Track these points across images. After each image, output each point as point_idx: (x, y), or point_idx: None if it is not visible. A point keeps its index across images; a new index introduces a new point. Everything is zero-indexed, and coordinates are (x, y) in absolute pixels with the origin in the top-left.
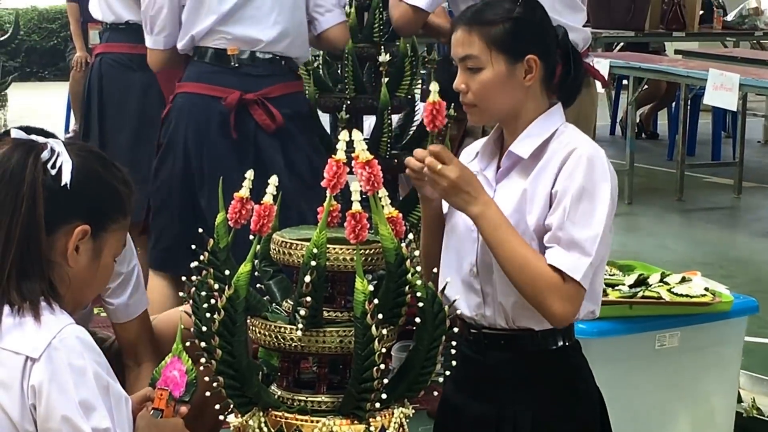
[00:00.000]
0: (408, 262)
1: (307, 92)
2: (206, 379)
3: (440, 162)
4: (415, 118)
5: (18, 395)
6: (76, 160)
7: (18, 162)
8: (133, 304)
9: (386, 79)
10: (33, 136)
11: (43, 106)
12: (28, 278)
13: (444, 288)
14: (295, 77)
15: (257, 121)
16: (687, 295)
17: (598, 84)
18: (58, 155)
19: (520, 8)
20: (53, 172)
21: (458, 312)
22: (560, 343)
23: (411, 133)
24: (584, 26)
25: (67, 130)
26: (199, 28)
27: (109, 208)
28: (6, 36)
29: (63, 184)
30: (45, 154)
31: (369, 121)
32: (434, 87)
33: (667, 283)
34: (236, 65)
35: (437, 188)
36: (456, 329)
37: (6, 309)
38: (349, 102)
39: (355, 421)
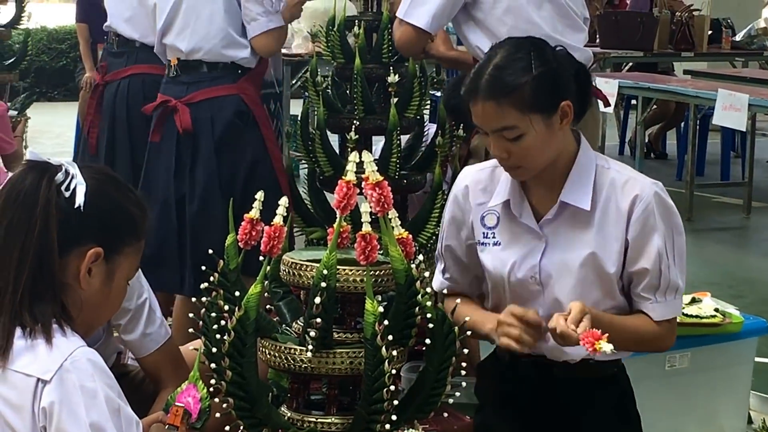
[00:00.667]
0: (418, 284)
1: (316, 113)
2: (216, 400)
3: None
4: (424, 139)
5: (29, 417)
6: (90, 182)
7: (32, 183)
8: (148, 339)
9: (395, 100)
10: (47, 158)
11: (52, 127)
12: (40, 300)
13: (453, 310)
14: (228, 81)
15: (178, 126)
16: (697, 316)
17: (601, 104)
18: (72, 177)
19: (535, 61)
20: (67, 194)
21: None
22: (615, 370)
23: (420, 153)
24: (590, 46)
25: (76, 150)
26: (157, 46)
27: (123, 230)
28: (13, 59)
29: (76, 206)
30: (59, 176)
31: (378, 142)
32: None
33: None
34: (173, 74)
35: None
36: (466, 350)
37: (18, 331)
38: (358, 123)
39: None
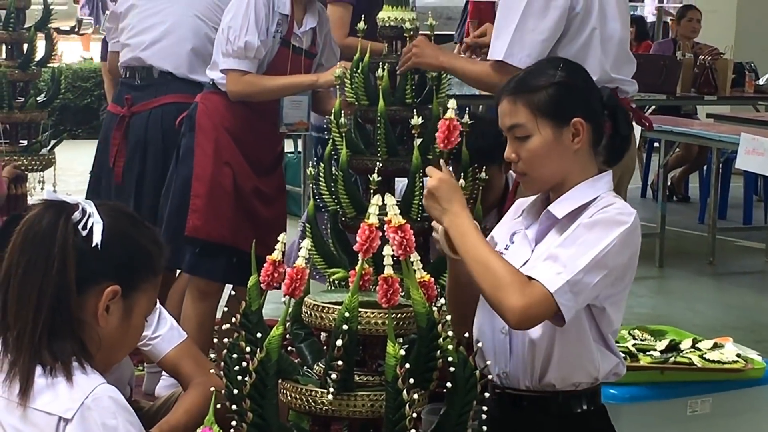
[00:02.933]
0: (439, 327)
1: (340, 155)
2: None
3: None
4: None
5: None
6: (107, 220)
7: (49, 223)
8: (159, 340)
9: (418, 142)
10: (64, 197)
11: (75, 164)
12: (59, 338)
13: (476, 353)
14: (178, 90)
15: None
16: (719, 362)
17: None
18: (89, 216)
19: (561, 72)
20: (84, 233)
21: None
22: (584, 407)
23: None
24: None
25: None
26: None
27: (140, 267)
28: (46, 98)
29: (93, 245)
30: (76, 215)
31: (401, 184)
32: (452, 104)
33: (699, 349)
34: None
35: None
36: (487, 394)
37: (38, 369)
38: (380, 165)
39: None
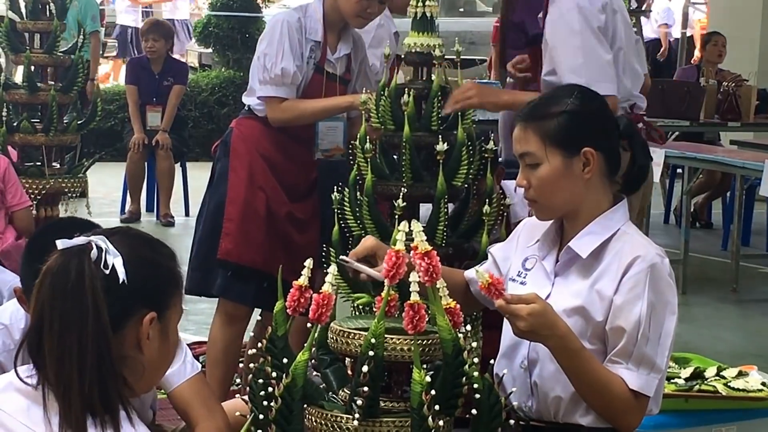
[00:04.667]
0: (465, 353)
1: (365, 180)
2: None
3: (524, 302)
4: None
5: None
6: (124, 250)
7: (77, 272)
8: (171, 374)
9: (443, 168)
10: (76, 240)
11: (98, 186)
12: (105, 385)
13: (501, 380)
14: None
15: None
16: (744, 390)
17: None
18: (106, 252)
19: (575, 100)
20: (107, 271)
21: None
22: None
23: (467, 221)
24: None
25: (123, 212)
26: None
27: (167, 287)
28: (84, 120)
29: (121, 281)
30: (93, 254)
31: (425, 209)
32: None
33: (723, 377)
34: None
35: (515, 325)
36: (512, 421)
37: (89, 420)
38: (405, 190)
39: None
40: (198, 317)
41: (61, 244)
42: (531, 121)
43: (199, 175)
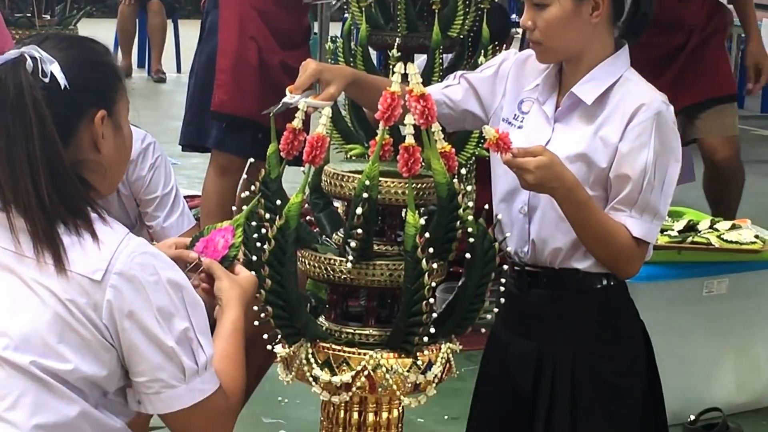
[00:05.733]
0: (460, 198)
1: (360, 30)
2: (255, 308)
3: (531, 155)
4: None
5: (90, 317)
6: (59, 55)
7: (15, 85)
8: (169, 227)
9: (438, 18)
10: (7, 54)
11: None
12: (66, 192)
13: (495, 224)
14: None
15: None
16: (737, 242)
17: None
18: (41, 61)
19: None
20: (46, 80)
21: (507, 248)
22: (604, 283)
23: None
24: None
25: None
26: None
27: (109, 82)
28: None
29: (63, 87)
30: (29, 65)
31: (419, 61)
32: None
33: (716, 230)
34: None
35: (523, 179)
36: (506, 266)
37: (62, 227)
38: (400, 40)
39: (402, 355)
40: (191, 171)
41: None
42: None
43: (191, 33)
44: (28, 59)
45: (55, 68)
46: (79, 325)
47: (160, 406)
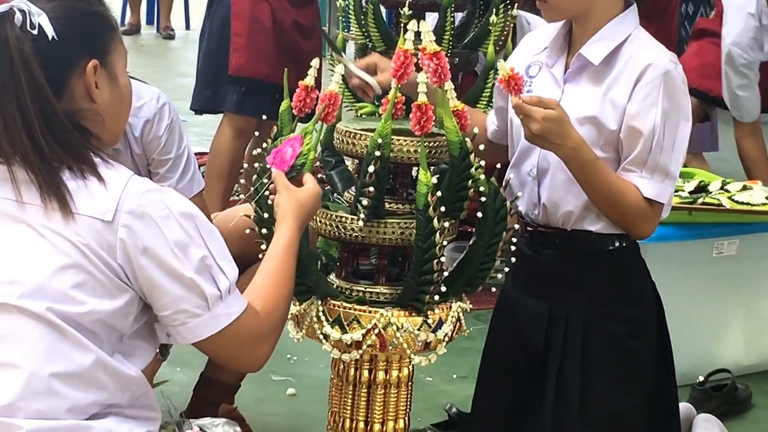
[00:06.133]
0: (472, 156)
1: None
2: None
3: (543, 106)
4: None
5: (104, 259)
6: (48, 6)
7: (2, 41)
8: (181, 189)
9: None
10: None
11: None
12: (64, 139)
13: (506, 184)
14: None
15: None
16: (747, 203)
17: None
18: (29, 13)
19: None
20: (35, 32)
21: (518, 208)
22: (616, 244)
23: (473, 31)
24: None
25: (122, 23)
26: None
27: (102, 32)
28: None
29: (51, 38)
30: (18, 18)
31: (430, 19)
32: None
33: (727, 191)
34: None
35: (527, 127)
36: (517, 226)
37: (66, 173)
38: None
39: (413, 314)
40: (199, 129)
41: None
42: None
43: None
44: (17, 12)
45: (42, 20)
46: (93, 268)
47: (188, 336)
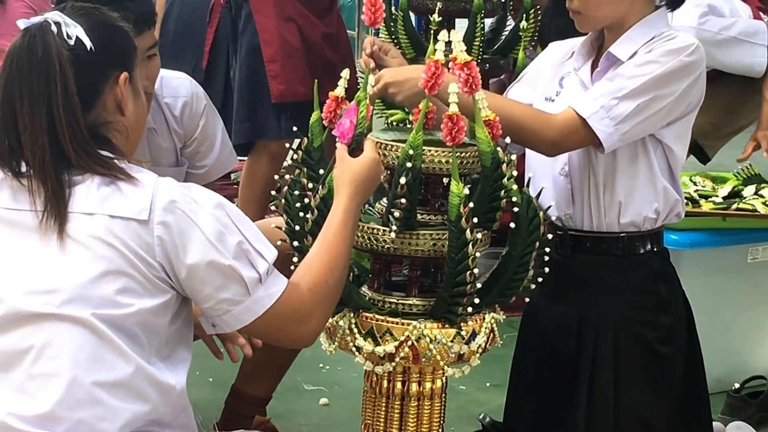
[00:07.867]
0: (504, 166)
1: None
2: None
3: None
4: (508, 23)
5: (143, 258)
6: (81, 20)
7: (44, 47)
8: (223, 161)
9: None
10: (33, 19)
11: None
12: (91, 149)
13: (539, 194)
14: None
15: None
16: None
17: None
18: (64, 25)
19: None
20: (71, 42)
21: (551, 218)
22: (647, 248)
23: (503, 37)
24: None
25: None
26: None
27: (127, 45)
28: None
29: (89, 48)
30: (54, 30)
31: (460, 25)
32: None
33: (762, 196)
34: None
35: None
36: (550, 235)
37: (97, 180)
38: (441, 5)
39: (446, 325)
40: None
41: (22, 24)
42: None
43: None
44: (52, 24)
45: (79, 31)
46: (132, 269)
47: (234, 323)
